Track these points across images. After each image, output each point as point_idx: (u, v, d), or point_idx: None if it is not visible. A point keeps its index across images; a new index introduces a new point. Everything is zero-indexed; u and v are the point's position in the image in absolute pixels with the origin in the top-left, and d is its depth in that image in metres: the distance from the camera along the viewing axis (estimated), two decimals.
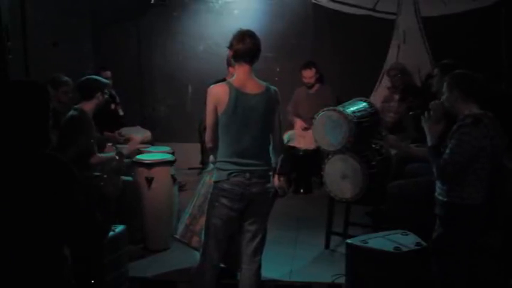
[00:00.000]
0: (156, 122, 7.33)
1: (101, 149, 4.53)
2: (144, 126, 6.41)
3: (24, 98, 2.08)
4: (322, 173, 4.51)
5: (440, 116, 3.40)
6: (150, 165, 4.52)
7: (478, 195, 3.21)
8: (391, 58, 6.83)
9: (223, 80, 3.84)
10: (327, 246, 4.60)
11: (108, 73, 6.22)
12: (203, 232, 3.32)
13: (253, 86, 3.14)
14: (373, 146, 4.62)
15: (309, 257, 4.46)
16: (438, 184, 3.32)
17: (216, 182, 3.17)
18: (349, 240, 3.46)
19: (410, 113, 4.99)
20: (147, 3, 6.95)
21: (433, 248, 3.33)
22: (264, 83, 3.20)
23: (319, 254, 4.52)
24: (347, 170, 4.34)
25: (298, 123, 6.20)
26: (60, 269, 2.08)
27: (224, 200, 3.13)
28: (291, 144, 5.95)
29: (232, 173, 3.10)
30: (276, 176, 3.46)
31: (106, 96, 4.36)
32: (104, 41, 7.39)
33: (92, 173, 4.09)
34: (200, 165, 6.51)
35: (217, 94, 3.10)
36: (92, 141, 4.19)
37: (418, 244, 3.30)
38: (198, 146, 6.64)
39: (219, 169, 3.16)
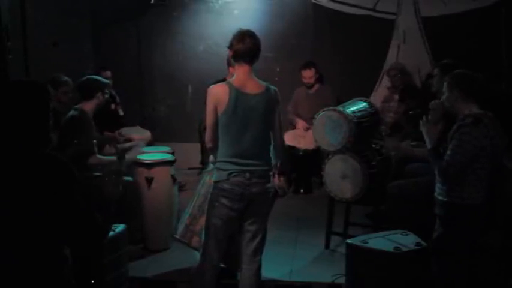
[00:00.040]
0: (156, 122, 7.33)
1: (101, 150, 4.53)
2: (144, 126, 6.40)
3: (24, 98, 2.08)
4: (322, 173, 4.51)
5: (440, 115, 3.40)
6: (150, 165, 4.52)
7: (478, 195, 3.21)
8: (391, 58, 6.83)
9: (223, 80, 3.84)
10: (327, 246, 4.60)
11: (108, 73, 6.22)
12: (203, 232, 3.32)
13: (253, 86, 3.14)
14: (373, 146, 4.62)
15: (309, 257, 4.46)
16: (438, 184, 3.32)
17: (216, 182, 3.17)
18: (349, 240, 3.46)
19: (411, 112, 5.00)
20: (147, 3, 6.94)
21: (433, 248, 3.33)
22: (264, 83, 3.20)
23: (319, 254, 4.52)
24: (347, 170, 4.34)
25: (300, 123, 6.21)
26: (60, 269, 2.08)
27: (224, 200, 3.13)
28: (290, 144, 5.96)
29: (232, 173, 3.10)
30: (276, 176, 3.46)
31: (106, 96, 4.36)
32: (104, 41, 7.39)
33: (92, 173, 4.09)
34: (200, 165, 6.50)
35: (217, 94, 3.10)
36: (92, 141, 4.19)
37: (418, 244, 3.30)
38: (198, 146, 6.63)
39: (219, 169, 3.16)
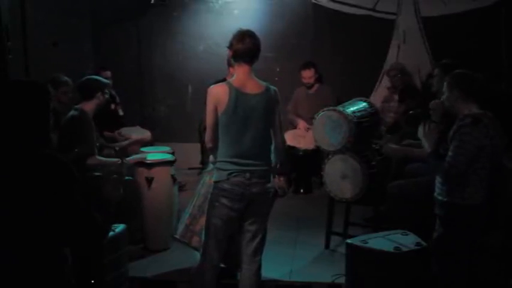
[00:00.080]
0: (156, 122, 7.33)
1: (101, 150, 4.53)
2: (144, 126, 6.40)
3: (24, 98, 2.08)
4: (322, 173, 4.51)
5: (440, 115, 3.40)
6: (150, 165, 4.52)
7: (478, 195, 3.21)
8: (391, 58, 6.83)
9: (223, 80, 3.84)
10: (327, 246, 4.60)
11: (108, 73, 6.22)
12: (203, 232, 3.32)
13: (253, 86, 3.14)
14: (373, 146, 4.62)
15: (309, 257, 4.46)
16: (438, 184, 3.32)
17: (216, 182, 3.17)
18: (349, 240, 3.46)
19: (410, 112, 5.00)
20: (147, 3, 6.95)
21: (433, 248, 3.33)
22: (264, 83, 3.20)
23: (319, 254, 4.52)
24: (347, 170, 4.34)
25: (301, 123, 6.21)
26: (60, 269, 2.08)
27: (224, 200, 3.13)
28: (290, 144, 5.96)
29: (232, 173, 3.10)
30: (276, 176, 3.46)
31: (106, 96, 4.36)
32: (104, 41, 7.39)
33: (92, 174, 4.08)
34: (200, 165, 6.51)
35: (217, 94, 3.10)
36: (92, 141, 4.18)
37: (418, 244, 3.30)
38: (198, 146, 6.64)
39: (219, 169, 3.16)
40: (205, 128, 3.29)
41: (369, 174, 4.26)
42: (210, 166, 3.64)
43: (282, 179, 3.52)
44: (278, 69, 7.07)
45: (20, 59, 5.20)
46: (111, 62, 6.83)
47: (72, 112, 4.20)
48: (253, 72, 3.18)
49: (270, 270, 3.85)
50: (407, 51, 6.82)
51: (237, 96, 3.07)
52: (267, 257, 3.43)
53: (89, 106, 4.22)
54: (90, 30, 7.23)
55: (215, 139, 3.17)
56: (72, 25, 6.69)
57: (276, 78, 6.69)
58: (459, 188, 3.20)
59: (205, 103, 3.17)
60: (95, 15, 7.21)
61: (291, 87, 6.43)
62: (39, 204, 1.98)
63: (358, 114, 4.43)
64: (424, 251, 3.29)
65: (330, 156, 4.45)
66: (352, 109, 4.47)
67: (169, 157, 4.68)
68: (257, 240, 3.26)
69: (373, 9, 6.86)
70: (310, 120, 5.17)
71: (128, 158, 4.59)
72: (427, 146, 3.32)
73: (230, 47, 3.17)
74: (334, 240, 4.63)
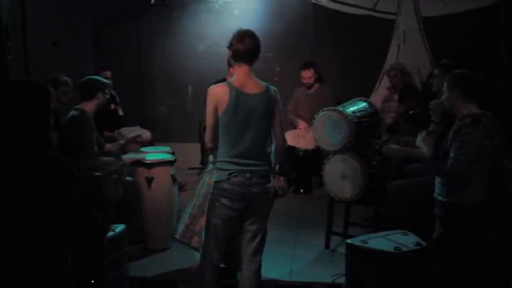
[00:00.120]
0: (156, 122, 7.33)
1: (101, 150, 4.53)
2: (144, 126, 6.40)
3: (24, 98, 2.08)
4: (322, 173, 4.51)
5: (440, 115, 3.40)
6: (150, 165, 4.52)
7: (479, 195, 3.21)
8: (391, 58, 6.83)
9: (223, 80, 3.84)
10: (327, 246, 4.60)
11: (108, 73, 6.22)
12: (203, 232, 3.32)
13: (253, 86, 3.14)
14: (373, 146, 4.62)
15: (309, 257, 4.46)
16: (437, 185, 3.32)
17: (216, 182, 3.17)
18: (349, 240, 3.46)
19: (410, 112, 4.99)
20: (147, 3, 6.95)
21: (433, 248, 3.33)
22: (264, 83, 3.19)
23: (319, 254, 4.52)
24: (347, 170, 4.34)
25: (302, 124, 6.21)
26: (60, 269, 2.08)
27: (224, 200, 3.12)
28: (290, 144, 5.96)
29: (232, 173, 3.10)
30: (276, 176, 3.46)
31: (107, 96, 4.36)
32: (104, 41, 7.39)
33: (92, 173, 4.08)
34: (200, 165, 6.51)
35: (218, 94, 3.10)
36: (93, 141, 4.18)
37: (418, 244, 3.30)
38: (198, 146, 6.64)
39: (219, 169, 3.16)
40: (205, 128, 3.29)
41: (369, 174, 4.26)
42: (210, 166, 3.64)
43: (281, 179, 3.52)
44: (278, 69, 7.07)
45: (20, 59, 5.20)
46: (111, 62, 6.82)
47: (72, 112, 4.20)
48: (253, 72, 3.18)
49: (270, 270, 3.85)
50: (407, 51, 6.83)
51: (238, 96, 3.07)
52: (267, 257, 3.42)
53: (89, 106, 4.22)
54: (90, 30, 7.24)
55: (215, 139, 3.17)
56: (72, 25, 6.69)
57: (276, 78, 6.69)
58: (459, 188, 3.20)
59: (205, 103, 3.16)
60: (95, 15, 7.21)
61: (291, 87, 6.43)
62: (39, 204, 1.98)
63: (358, 114, 4.43)
64: (424, 251, 3.29)
65: (330, 156, 4.45)
66: (352, 109, 4.47)
67: (169, 157, 4.68)
68: (257, 240, 3.26)
69: (373, 9, 6.86)
70: (310, 120, 5.17)
71: (124, 156, 4.58)
72: (425, 151, 3.32)
73: (230, 47, 3.17)
74: (334, 240, 4.63)
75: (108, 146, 4.57)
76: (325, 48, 7.00)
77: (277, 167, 3.39)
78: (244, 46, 3.10)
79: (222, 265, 3.48)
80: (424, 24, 6.79)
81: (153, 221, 4.55)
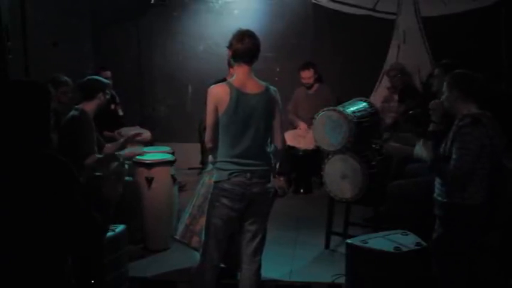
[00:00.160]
0: (156, 122, 7.33)
1: (101, 150, 4.53)
2: (144, 126, 6.40)
3: (25, 98, 2.08)
4: (322, 173, 4.50)
5: (440, 115, 3.40)
6: (150, 165, 4.52)
7: (479, 195, 3.21)
8: (391, 58, 6.83)
9: (223, 80, 3.84)
10: (327, 246, 4.60)
11: (108, 73, 6.22)
12: (203, 232, 3.32)
13: (253, 86, 3.14)
14: (373, 146, 4.62)
15: (309, 257, 4.46)
16: (437, 185, 3.32)
17: (216, 182, 3.16)
18: (349, 240, 3.46)
19: (410, 112, 5.00)
20: (147, 3, 6.95)
21: (433, 248, 3.33)
22: (264, 83, 3.20)
23: (319, 254, 4.52)
24: (347, 170, 4.34)
25: (302, 125, 6.20)
26: (60, 269, 2.08)
27: (225, 200, 3.12)
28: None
29: (233, 173, 3.10)
30: (276, 176, 3.46)
31: (107, 97, 4.36)
32: (104, 41, 7.39)
33: (92, 173, 4.08)
34: (200, 165, 6.51)
35: (218, 94, 3.10)
36: (93, 141, 4.18)
37: (418, 244, 3.30)
38: (198, 146, 6.64)
39: (219, 169, 3.15)
40: (205, 128, 3.29)
41: (369, 174, 4.26)
42: (210, 166, 3.64)
43: (281, 179, 3.53)
44: (278, 69, 7.07)
45: (20, 59, 5.20)
46: (111, 62, 6.83)
47: (72, 112, 4.20)
48: (253, 72, 3.18)
49: (270, 270, 3.85)
50: (407, 51, 6.83)
51: (238, 96, 3.07)
52: (267, 257, 3.43)
53: (90, 106, 4.21)
54: (90, 30, 7.24)
55: (215, 139, 3.17)
56: (72, 25, 6.69)
57: (276, 78, 6.69)
58: (459, 189, 3.20)
59: (205, 103, 3.16)
60: (95, 15, 7.21)
61: (291, 87, 6.43)
62: (39, 204, 1.98)
63: (358, 114, 4.43)
64: (424, 251, 3.29)
65: (330, 156, 4.45)
66: (352, 109, 4.47)
67: (169, 157, 4.68)
68: (257, 240, 3.26)
69: (373, 9, 6.86)
70: (310, 120, 5.17)
71: (122, 153, 4.57)
72: (425, 156, 3.31)
73: (230, 47, 3.17)
74: (334, 240, 4.63)
75: (108, 145, 4.56)
76: (325, 48, 7.00)
77: (277, 166, 3.39)
78: (244, 46, 3.10)
79: (222, 265, 3.48)
80: (424, 24, 6.79)
81: (153, 221, 4.55)
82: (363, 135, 4.39)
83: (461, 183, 3.18)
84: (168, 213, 4.56)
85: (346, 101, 4.75)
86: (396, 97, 6.03)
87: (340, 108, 4.45)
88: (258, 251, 3.29)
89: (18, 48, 5.13)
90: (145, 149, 5.07)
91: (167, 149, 5.04)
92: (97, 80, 4.39)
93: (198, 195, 3.84)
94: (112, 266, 3.54)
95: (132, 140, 5.06)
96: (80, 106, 4.21)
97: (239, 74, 3.15)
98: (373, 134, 4.75)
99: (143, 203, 4.55)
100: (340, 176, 4.38)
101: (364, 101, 4.69)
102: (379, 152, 4.58)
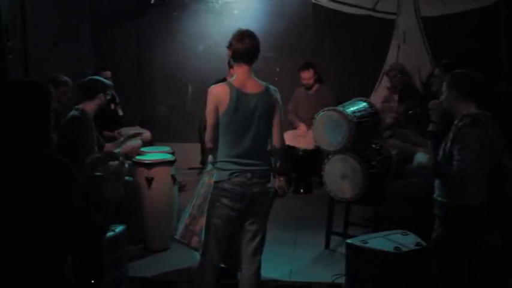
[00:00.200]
0: (156, 122, 7.33)
1: (101, 150, 4.53)
2: (144, 126, 6.41)
3: (25, 98, 2.08)
4: (322, 173, 4.51)
5: (440, 115, 3.40)
6: (150, 165, 4.52)
7: (479, 195, 3.21)
8: (391, 58, 6.83)
9: (223, 80, 3.84)
10: (327, 246, 4.60)
11: (108, 73, 6.22)
12: (203, 232, 3.32)
13: (253, 86, 3.14)
14: (373, 146, 4.62)
15: (309, 257, 4.46)
16: (437, 185, 3.32)
17: (216, 182, 3.17)
18: (349, 240, 3.46)
19: (410, 112, 5.00)
20: (147, 3, 6.95)
21: (433, 248, 3.33)
22: (264, 83, 3.20)
23: (319, 254, 4.52)
24: (347, 170, 4.34)
25: (302, 127, 6.20)
26: (60, 269, 2.08)
27: (225, 200, 3.12)
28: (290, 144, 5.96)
29: (233, 173, 3.10)
30: (276, 176, 3.46)
31: (108, 97, 4.36)
32: (104, 41, 7.39)
33: (92, 173, 4.08)
34: (200, 165, 6.51)
35: (218, 94, 3.10)
36: (93, 141, 4.18)
37: (418, 244, 3.30)
38: (198, 146, 6.64)
39: (219, 169, 3.15)
40: (205, 128, 3.29)
41: (369, 174, 4.26)
42: (210, 166, 3.64)
43: (281, 179, 3.52)
44: (278, 69, 7.07)
45: (20, 59, 5.20)
46: (111, 62, 6.83)
47: (72, 112, 4.20)
48: (253, 72, 3.18)
49: (270, 270, 3.85)
50: (407, 51, 6.82)
51: (238, 96, 3.07)
52: (267, 257, 3.43)
53: (90, 106, 4.21)
54: (90, 30, 7.23)
55: (215, 139, 3.17)
56: (72, 25, 6.69)
57: (276, 78, 6.68)
58: (459, 189, 3.20)
59: (205, 103, 3.17)
60: (95, 15, 7.21)
61: (291, 87, 6.43)
62: (39, 204, 1.98)
63: (358, 114, 4.43)
64: (424, 251, 3.29)
65: (329, 156, 4.45)
66: (352, 109, 4.47)
67: (169, 157, 4.68)
68: (257, 240, 3.26)
69: (373, 9, 6.86)
70: (310, 120, 5.17)
71: (119, 149, 4.56)
72: (426, 160, 3.31)
73: (229, 47, 3.17)
74: (334, 240, 4.63)
75: (108, 145, 4.56)
76: (325, 48, 7.00)
77: (277, 165, 3.39)
78: (244, 46, 3.10)
79: (222, 265, 3.48)
80: (424, 24, 6.78)
81: (153, 221, 4.55)
82: (362, 135, 4.39)
83: (466, 183, 3.18)
84: (168, 213, 4.56)
85: (346, 101, 4.75)
86: (396, 97, 6.03)
87: (340, 108, 4.45)
88: (258, 251, 3.29)
89: (18, 48, 5.13)
90: (145, 149, 5.08)
91: (167, 149, 5.04)
92: (98, 80, 4.39)
93: (197, 195, 3.84)
94: (112, 266, 3.54)
95: (131, 140, 5.07)
96: (80, 106, 4.21)
97: (239, 74, 3.15)
98: (373, 134, 4.75)
99: (143, 203, 4.55)
100: (340, 176, 4.38)
101: (364, 101, 4.69)
102: (379, 152, 4.58)
